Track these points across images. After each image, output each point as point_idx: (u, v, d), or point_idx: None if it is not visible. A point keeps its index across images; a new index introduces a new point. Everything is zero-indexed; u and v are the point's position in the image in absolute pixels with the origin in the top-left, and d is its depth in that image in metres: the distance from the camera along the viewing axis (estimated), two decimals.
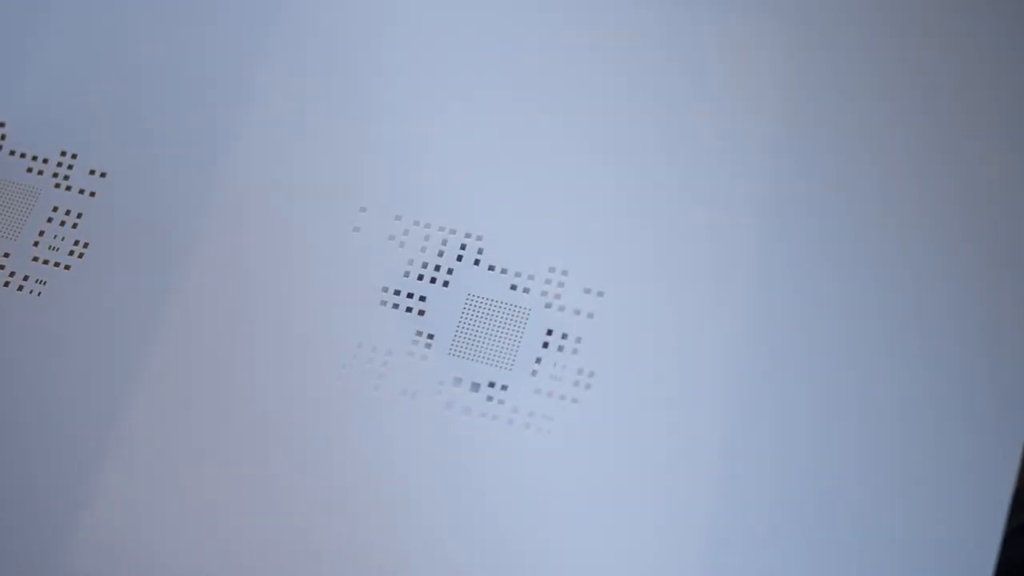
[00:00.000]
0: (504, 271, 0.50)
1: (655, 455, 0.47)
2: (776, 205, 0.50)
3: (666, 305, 0.49)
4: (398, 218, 0.52)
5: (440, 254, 0.51)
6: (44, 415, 0.50)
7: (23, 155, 0.54)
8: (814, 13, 0.53)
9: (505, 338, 0.49)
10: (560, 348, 0.49)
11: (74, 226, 0.53)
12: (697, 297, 0.49)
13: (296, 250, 0.51)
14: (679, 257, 0.50)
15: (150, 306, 0.51)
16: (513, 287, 0.50)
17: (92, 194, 0.53)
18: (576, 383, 0.48)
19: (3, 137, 0.55)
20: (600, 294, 0.50)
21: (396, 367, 0.49)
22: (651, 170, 0.51)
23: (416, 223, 0.51)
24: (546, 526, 0.47)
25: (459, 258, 0.51)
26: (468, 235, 0.51)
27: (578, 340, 0.49)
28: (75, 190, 0.54)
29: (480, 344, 0.49)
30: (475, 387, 0.49)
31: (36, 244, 0.53)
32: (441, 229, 0.51)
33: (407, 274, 0.51)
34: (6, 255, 0.53)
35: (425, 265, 0.51)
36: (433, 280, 0.51)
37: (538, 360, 0.49)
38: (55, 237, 0.53)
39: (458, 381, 0.49)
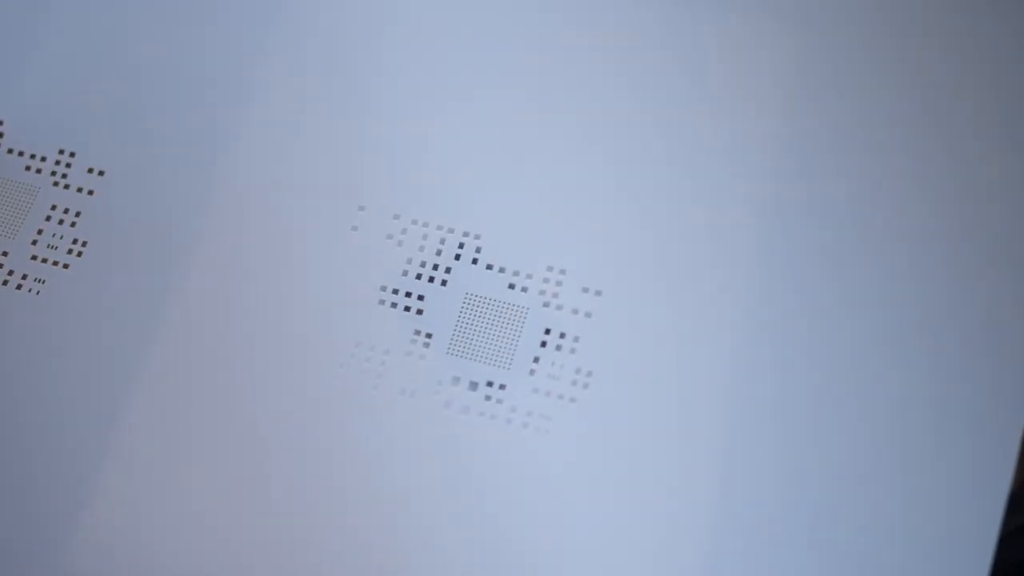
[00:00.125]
0: (502, 270, 0.50)
1: (653, 454, 0.47)
2: (775, 204, 0.50)
3: (664, 304, 0.49)
4: (396, 217, 0.52)
5: (438, 253, 0.51)
6: (43, 414, 0.50)
7: (21, 153, 0.54)
8: (814, 13, 0.53)
9: (503, 337, 0.49)
10: (558, 347, 0.49)
11: (72, 225, 0.53)
12: (695, 296, 0.49)
13: (294, 249, 0.51)
14: (677, 256, 0.50)
15: (149, 305, 0.51)
16: (511, 286, 0.50)
17: (90, 192, 0.53)
18: (574, 382, 0.48)
19: (1, 135, 0.55)
20: (598, 293, 0.50)
21: (394, 366, 0.49)
22: (650, 169, 0.51)
23: (414, 222, 0.51)
24: (544, 525, 0.47)
25: (457, 257, 0.51)
26: (466, 234, 0.51)
27: (576, 339, 0.49)
28: (73, 188, 0.54)
29: (478, 343, 0.49)
30: (473, 386, 0.49)
31: (35, 243, 0.53)
32: (439, 228, 0.51)
33: (405, 273, 0.51)
34: (4, 254, 0.53)
35: (423, 264, 0.51)
36: (431, 279, 0.51)
37: (536, 359, 0.49)
38: (54, 236, 0.53)
39: (456, 380, 0.49)
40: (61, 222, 0.53)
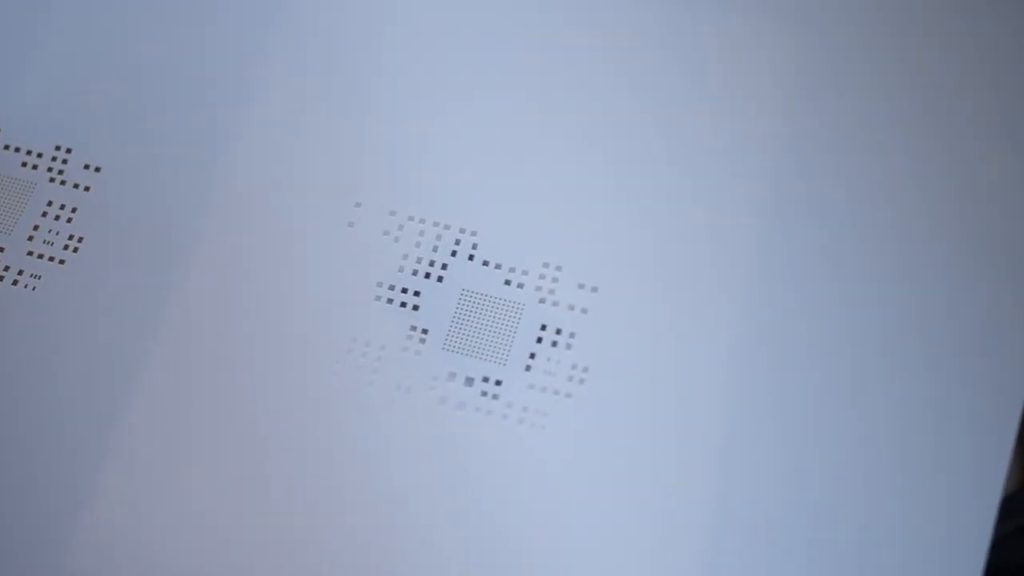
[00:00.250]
0: (498, 266, 0.50)
1: (649, 451, 0.47)
2: (774, 203, 0.50)
3: (660, 301, 0.49)
4: (393, 213, 0.52)
5: (435, 249, 0.51)
6: (39, 410, 0.50)
7: (18, 149, 0.55)
8: (814, 13, 0.53)
9: (499, 333, 0.49)
10: (554, 344, 0.49)
11: (69, 221, 0.53)
12: (692, 294, 0.49)
13: (290, 245, 0.51)
14: (674, 254, 0.50)
15: (145, 301, 0.51)
16: (507, 282, 0.50)
17: (87, 189, 0.54)
18: (570, 378, 0.48)
19: None
20: (594, 290, 0.49)
21: (390, 362, 0.49)
22: (647, 168, 0.51)
23: (411, 218, 0.51)
24: (540, 520, 0.47)
25: (453, 253, 0.51)
26: (462, 230, 0.51)
27: (572, 336, 0.49)
28: (70, 185, 0.54)
29: (474, 339, 0.49)
30: (469, 382, 0.49)
31: (31, 239, 0.53)
32: (435, 224, 0.51)
33: (402, 269, 0.51)
34: (0, 249, 0.53)
35: (420, 260, 0.51)
36: (427, 275, 0.50)
37: (532, 355, 0.49)
38: (50, 232, 0.53)
39: (452, 376, 0.49)
40: (57, 218, 0.53)
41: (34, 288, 0.52)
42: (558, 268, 0.50)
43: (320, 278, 0.51)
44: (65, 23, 0.57)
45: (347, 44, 0.55)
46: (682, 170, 0.51)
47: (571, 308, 0.49)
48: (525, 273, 0.50)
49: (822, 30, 0.52)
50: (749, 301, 0.48)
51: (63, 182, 0.54)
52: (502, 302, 0.50)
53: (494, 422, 0.48)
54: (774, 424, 0.47)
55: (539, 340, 0.49)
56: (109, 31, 0.57)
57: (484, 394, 0.49)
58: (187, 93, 0.55)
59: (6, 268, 0.52)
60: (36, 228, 0.53)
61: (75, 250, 0.52)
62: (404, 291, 0.50)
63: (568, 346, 0.49)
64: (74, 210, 0.53)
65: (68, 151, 0.54)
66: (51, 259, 0.52)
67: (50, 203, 0.53)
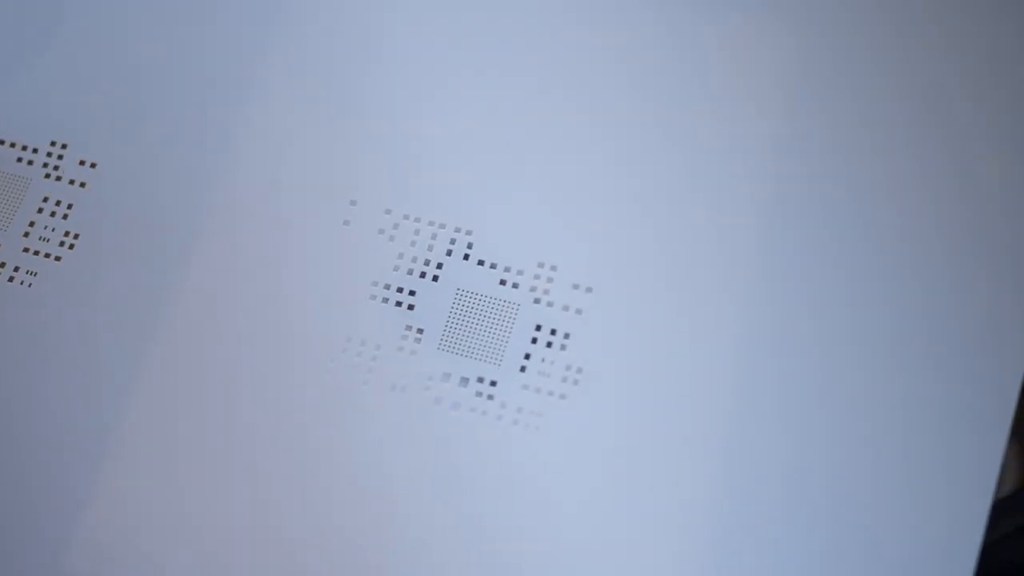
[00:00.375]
0: (493, 266, 0.50)
1: (643, 451, 0.47)
2: (772, 203, 0.50)
3: (655, 302, 0.49)
4: (388, 212, 0.51)
5: (430, 248, 0.51)
6: (36, 407, 0.50)
7: (13, 145, 0.54)
8: (815, 13, 0.52)
9: (494, 333, 0.49)
10: (549, 344, 0.49)
11: (64, 217, 0.53)
12: (687, 295, 0.49)
13: (285, 243, 0.51)
14: (669, 254, 0.50)
15: (141, 297, 0.51)
16: (502, 282, 0.50)
17: (82, 185, 0.53)
18: (564, 379, 0.48)
19: None
20: (589, 290, 0.49)
21: (385, 362, 0.49)
22: (643, 167, 0.51)
23: (406, 217, 0.51)
24: (534, 521, 0.47)
25: (449, 253, 0.51)
26: (458, 230, 0.51)
27: (567, 336, 0.49)
28: (65, 180, 0.54)
29: (469, 339, 0.49)
30: (464, 382, 0.49)
31: (26, 235, 0.53)
32: (431, 224, 0.51)
33: (397, 268, 0.51)
34: None
35: (415, 259, 0.51)
36: (423, 275, 0.50)
37: (527, 356, 0.49)
38: (46, 228, 0.53)
39: (447, 376, 0.49)
40: (53, 215, 0.53)
41: (30, 285, 0.52)
42: (553, 268, 0.50)
43: (315, 276, 0.51)
44: (61, 19, 0.57)
45: (344, 43, 0.55)
46: (679, 170, 0.51)
47: (566, 309, 0.49)
48: (520, 273, 0.50)
49: (824, 30, 0.52)
50: (746, 301, 0.48)
51: (59, 178, 0.54)
52: (497, 302, 0.50)
53: (489, 423, 0.48)
54: (771, 424, 0.47)
55: (534, 341, 0.49)
56: (105, 27, 0.56)
57: (479, 395, 0.49)
58: (183, 90, 0.55)
59: (2, 265, 0.52)
60: (32, 224, 0.53)
61: (71, 247, 0.52)
62: (399, 290, 0.50)
63: (563, 347, 0.49)
64: (70, 206, 0.53)
65: (64, 147, 0.54)
66: (47, 256, 0.52)
67: (46, 199, 0.53)
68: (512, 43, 0.54)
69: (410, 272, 0.51)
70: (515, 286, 0.50)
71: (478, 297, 0.50)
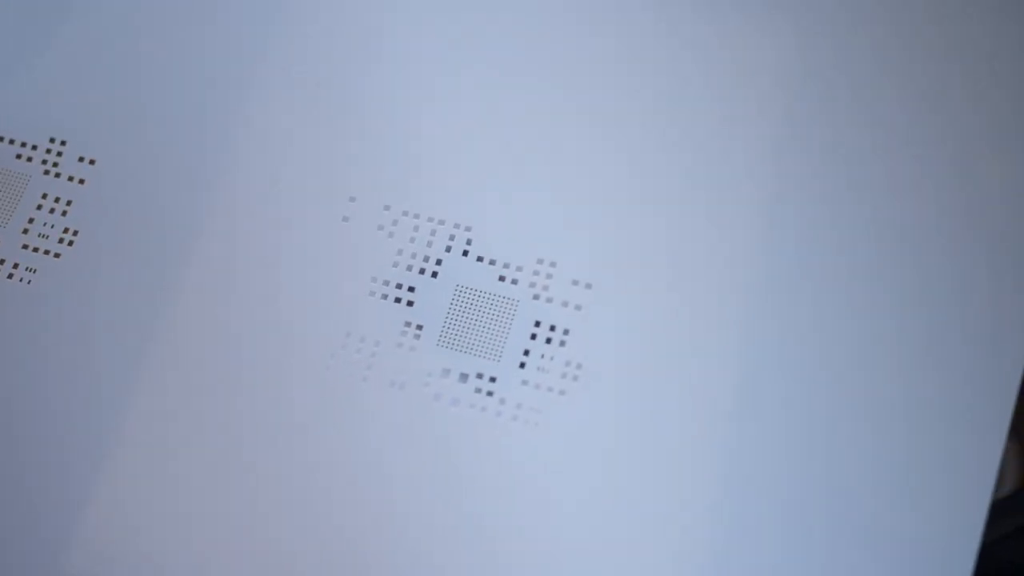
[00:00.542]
0: (493, 262, 0.50)
1: (642, 447, 0.47)
2: (771, 202, 0.50)
3: (654, 298, 0.49)
4: (387, 208, 0.51)
5: (429, 244, 0.51)
6: (35, 404, 0.50)
7: (12, 141, 0.55)
8: (816, 13, 0.52)
9: (493, 329, 0.49)
10: (548, 340, 0.49)
11: (63, 214, 0.53)
12: (686, 291, 0.49)
13: (285, 239, 0.51)
14: (667, 251, 0.49)
15: (140, 295, 0.51)
16: (501, 278, 0.50)
17: (81, 182, 0.53)
18: (564, 375, 0.48)
19: None
20: (588, 286, 0.49)
21: (384, 358, 0.49)
22: (642, 164, 0.51)
23: (405, 213, 0.51)
24: (533, 517, 0.47)
25: (448, 249, 0.51)
26: (457, 226, 0.51)
27: (566, 332, 0.49)
28: (64, 177, 0.54)
29: (469, 335, 0.49)
30: (463, 379, 0.49)
31: (26, 232, 0.53)
32: (430, 220, 0.51)
33: (396, 264, 0.51)
34: None
35: (414, 255, 0.51)
36: (422, 271, 0.50)
37: (526, 352, 0.49)
38: (45, 225, 0.53)
39: (446, 372, 0.49)
40: (52, 211, 0.53)
41: (29, 282, 0.52)
42: (552, 264, 0.50)
43: (314, 273, 0.51)
44: (60, 16, 0.57)
45: (344, 43, 0.55)
46: (679, 167, 0.51)
47: (565, 305, 0.49)
48: (519, 269, 0.50)
49: (824, 30, 0.52)
50: (746, 299, 0.48)
51: (58, 175, 0.54)
52: (496, 298, 0.50)
53: (488, 419, 0.48)
54: (769, 422, 0.47)
55: (533, 337, 0.49)
56: (105, 26, 0.56)
57: (478, 391, 0.49)
58: (182, 86, 0.55)
59: (1, 261, 0.52)
60: (31, 221, 0.53)
61: (70, 243, 0.52)
62: (399, 287, 0.50)
63: (562, 343, 0.49)
64: (69, 203, 0.53)
65: (63, 143, 0.54)
66: (46, 252, 0.52)
67: (45, 196, 0.53)
68: (512, 43, 0.54)
69: (409, 268, 0.51)
70: (514, 282, 0.50)
71: (477, 293, 0.50)
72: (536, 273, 0.50)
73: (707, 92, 0.52)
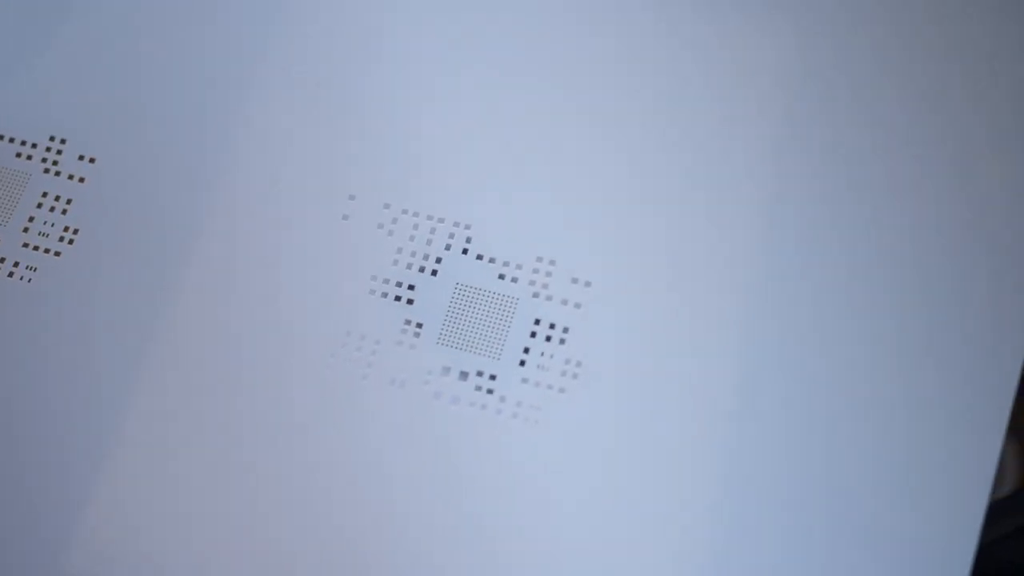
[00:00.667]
0: (492, 260, 0.50)
1: (642, 445, 0.47)
2: (771, 201, 0.50)
3: (653, 296, 0.49)
4: (387, 207, 0.51)
5: (429, 243, 0.51)
6: (35, 403, 0.50)
7: (12, 140, 0.55)
8: (816, 13, 0.52)
9: (493, 327, 0.49)
10: (548, 338, 0.49)
11: (64, 212, 0.53)
12: (685, 289, 0.49)
13: (285, 237, 0.51)
14: (667, 249, 0.49)
15: (140, 293, 0.51)
16: (501, 276, 0.50)
17: (81, 180, 0.54)
18: (563, 373, 0.48)
19: None
20: (588, 284, 0.49)
21: (384, 356, 0.49)
22: (641, 163, 0.51)
23: (405, 212, 0.51)
24: (533, 515, 0.47)
25: (447, 247, 0.51)
26: (456, 224, 0.51)
27: (565, 330, 0.49)
28: (64, 176, 0.54)
29: (468, 333, 0.49)
30: (463, 376, 0.49)
31: (26, 230, 0.53)
32: (430, 218, 0.51)
33: (396, 263, 0.51)
34: None
35: (414, 254, 0.51)
36: (422, 269, 0.50)
37: (526, 350, 0.49)
38: (45, 223, 0.53)
39: (446, 370, 0.49)
40: (52, 209, 0.53)
41: (30, 280, 0.52)
42: (552, 262, 0.50)
43: (314, 271, 0.51)
44: (60, 16, 0.57)
45: (344, 43, 0.55)
46: (679, 167, 0.51)
47: (564, 303, 0.49)
48: (519, 267, 0.50)
49: (824, 30, 0.52)
50: (745, 298, 0.48)
51: (58, 173, 0.54)
52: (496, 296, 0.50)
53: (488, 417, 0.48)
54: (769, 422, 0.47)
55: (533, 335, 0.49)
56: (105, 25, 0.56)
57: (478, 388, 0.49)
58: (182, 84, 0.55)
59: (2, 260, 0.52)
60: (31, 220, 0.53)
61: (70, 242, 0.52)
62: (398, 285, 0.50)
63: (562, 341, 0.49)
64: (69, 201, 0.53)
65: (63, 142, 0.54)
66: (47, 251, 0.52)
67: (45, 194, 0.53)
68: (512, 43, 0.54)
69: (409, 266, 0.51)
70: (514, 280, 0.50)
71: (477, 291, 0.50)
72: (536, 271, 0.50)
73: (707, 92, 0.52)
